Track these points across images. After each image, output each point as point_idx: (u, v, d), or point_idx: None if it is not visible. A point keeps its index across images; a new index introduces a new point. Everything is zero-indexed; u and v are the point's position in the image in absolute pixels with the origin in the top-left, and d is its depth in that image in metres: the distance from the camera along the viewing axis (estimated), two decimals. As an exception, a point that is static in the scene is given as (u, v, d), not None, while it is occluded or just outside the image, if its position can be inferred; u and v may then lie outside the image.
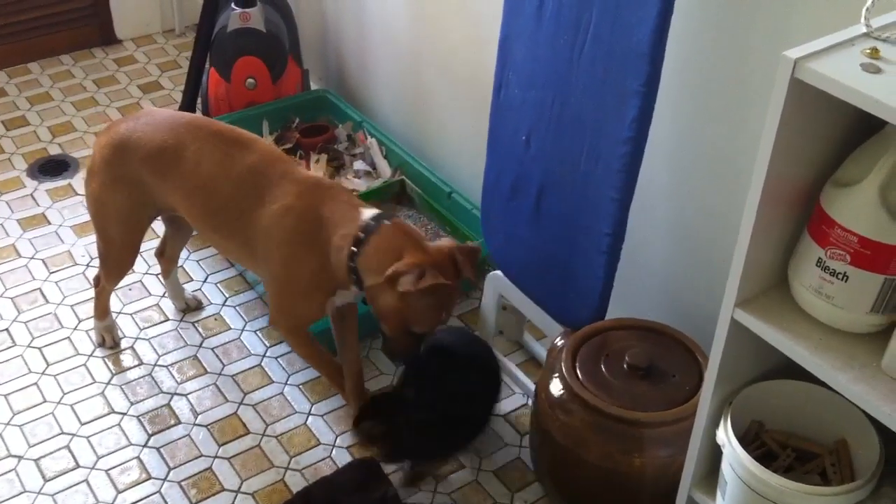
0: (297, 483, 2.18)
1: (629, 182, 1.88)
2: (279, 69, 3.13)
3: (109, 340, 2.49)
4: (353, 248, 1.93)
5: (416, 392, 2.08)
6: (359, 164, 3.05)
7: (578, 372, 1.90)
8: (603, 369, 1.91)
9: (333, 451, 2.26)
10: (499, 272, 2.34)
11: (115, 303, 2.58)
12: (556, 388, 1.92)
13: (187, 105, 3.18)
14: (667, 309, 2.15)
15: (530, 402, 2.36)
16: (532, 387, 2.35)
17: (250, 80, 3.09)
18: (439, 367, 2.08)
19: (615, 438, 1.83)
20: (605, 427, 1.83)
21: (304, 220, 1.99)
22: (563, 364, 1.92)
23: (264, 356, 2.50)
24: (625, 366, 1.90)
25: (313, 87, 3.40)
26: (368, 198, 2.88)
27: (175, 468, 2.21)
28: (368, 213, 1.98)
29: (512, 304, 2.38)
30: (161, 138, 2.10)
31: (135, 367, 2.46)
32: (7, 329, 2.55)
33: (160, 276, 2.64)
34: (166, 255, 2.53)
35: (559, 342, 2.03)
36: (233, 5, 3.01)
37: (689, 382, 1.88)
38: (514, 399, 2.39)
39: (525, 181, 2.18)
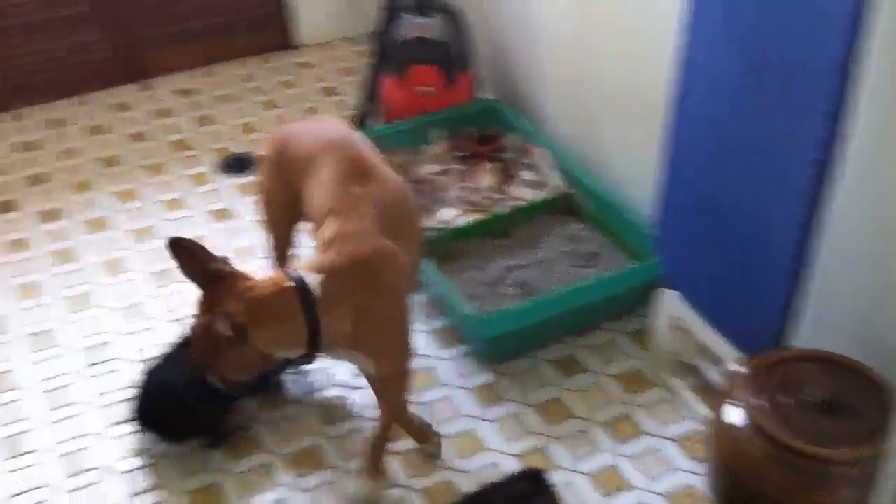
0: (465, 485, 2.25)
1: (817, 205, 1.85)
2: (452, 77, 3.22)
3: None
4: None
5: None
6: (527, 175, 3.09)
7: (758, 401, 1.89)
8: (784, 400, 1.89)
9: (500, 458, 2.32)
10: (673, 291, 2.34)
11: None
12: (735, 416, 1.91)
13: (362, 110, 3.31)
14: (853, 341, 2.09)
15: (702, 427, 2.34)
16: (702, 411, 2.34)
17: (424, 88, 3.18)
18: None
19: (797, 473, 1.80)
20: (787, 460, 1.80)
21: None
22: (743, 392, 1.91)
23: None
24: (807, 398, 1.87)
25: (484, 96, 3.47)
26: (536, 210, 2.93)
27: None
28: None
29: (685, 325, 2.37)
30: (307, 146, 2.16)
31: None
32: (196, 316, 2.72)
33: None
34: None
35: (738, 369, 2.02)
36: (411, 15, 3.11)
37: (875, 420, 1.83)
38: (685, 423, 2.38)
39: (705, 200, 2.16)
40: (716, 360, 2.37)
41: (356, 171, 2.07)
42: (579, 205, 2.96)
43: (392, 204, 2.06)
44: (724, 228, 2.13)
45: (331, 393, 2.48)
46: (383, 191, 2.07)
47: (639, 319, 2.65)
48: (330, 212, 2.00)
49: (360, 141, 2.19)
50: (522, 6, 3.16)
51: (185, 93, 3.71)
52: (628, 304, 2.68)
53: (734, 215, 2.09)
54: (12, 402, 2.47)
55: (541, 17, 3.06)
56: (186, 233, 2.91)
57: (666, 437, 2.34)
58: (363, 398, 2.42)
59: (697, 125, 2.14)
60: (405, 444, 2.31)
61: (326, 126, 2.28)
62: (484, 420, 2.41)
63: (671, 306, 2.36)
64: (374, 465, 2.20)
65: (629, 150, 2.82)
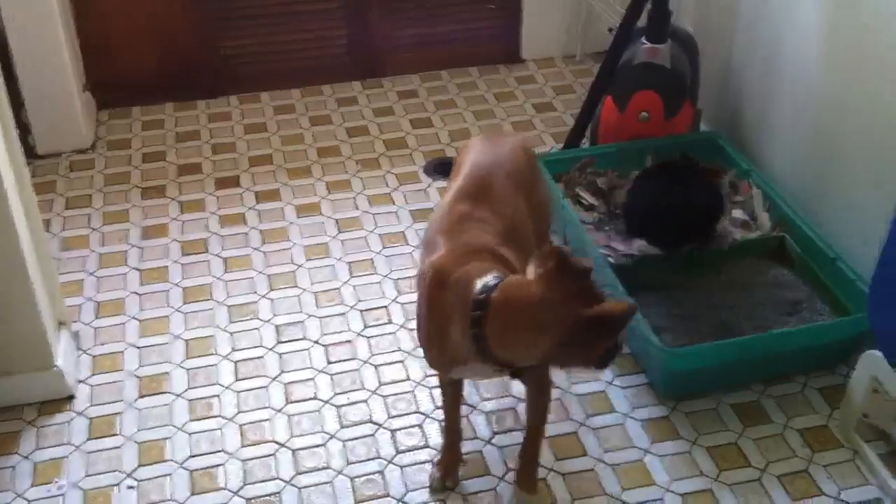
0: (625, 516, 2.19)
1: None
2: (675, 107, 3.15)
3: None
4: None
5: None
6: (737, 213, 2.98)
7: (960, 481, 1.73)
8: None
9: (666, 496, 2.24)
10: (878, 352, 2.19)
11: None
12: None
13: (578, 128, 3.30)
14: None
15: (887, 499, 2.19)
16: (889, 480, 2.18)
17: (644, 114, 3.13)
18: None
19: None
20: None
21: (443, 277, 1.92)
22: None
23: (610, 384, 2.54)
24: None
25: (703, 128, 3.38)
26: (743, 250, 2.82)
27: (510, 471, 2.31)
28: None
29: (885, 388, 2.21)
30: (475, 153, 2.18)
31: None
32: (387, 307, 2.81)
33: None
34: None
35: (941, 443, 1.86)
36: (643, 39, 3.07)
37: None
38: (867, 490, 2.22)
39: (930, 263, 2.02)
40: (918, 433, 2.21)
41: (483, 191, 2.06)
42: (788, 250, 2.82)
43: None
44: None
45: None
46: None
47: (832, 376, 2.51)
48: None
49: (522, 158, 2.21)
50: (768, 44, 3.05)
51: (406, 94, 3.84)
52: (825, 359, 2.54)
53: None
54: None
55: (786, 58, 2.94)
56: (388, 228, 3.08)
57: (843, 500, 2.19)
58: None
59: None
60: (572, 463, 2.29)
61: (503, 140, 2.29)
62: (653, 454, 2.34)
63: (873, 366, 2.21)
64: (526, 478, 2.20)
65: (858, 200, 2.66)
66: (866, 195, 2.59)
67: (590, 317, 1.64)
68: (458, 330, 1.81)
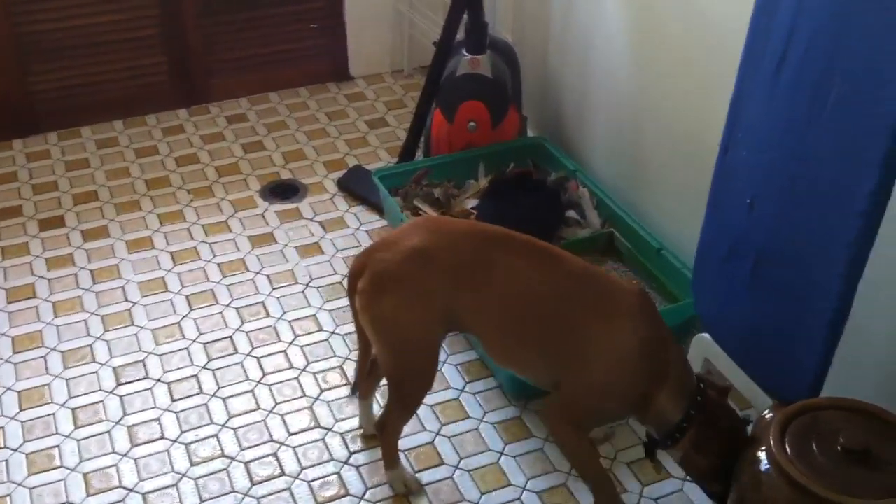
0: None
1: (860, 257, 1.81)
2: (500, 115, 3.23)
3: (414, 485, 2.30)
4: (690, 411, 2.01)
5: None
6: (568, 213, 3.09)
7: (787, 448, 1.84)
8: (814, 448, 1.83)
9: (523, 494, 2.29)
10: (707, 335, 2.30)
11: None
12: (761, 462, 1.86)
13: (410, 141, 3.34)
14: (887, 392, 2.04)
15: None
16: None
17: (472, 124, 3.20)
18: None
19: (822, 521, 1.75)
20: (812, 508, 1.76)
21: (652, 349, 2.02)
22: (770, 438, 1.86)
23: (462, 391, 2.57)
24: (838, 448, 1.81)
25: (530, 134, 3.48)
26: (576, 247, 2.92)
27: (372, 488, 2.30)
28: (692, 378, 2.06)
29: (717, 369, 2.33)
30: (469, 250, 2.06)
31: (342, 385, 2.58)
32: (231, 337, 2.75)
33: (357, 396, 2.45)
34: (371, 375, 2.37)
35: (767, 415, 1.97)
36: (464, 51, 3.14)
37: (907, 473, 1.77)
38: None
39: (744, 246, 2.14)
40: (746, 405, 2.33)
41: (550, 254, 2.10)
42: (618, 245, 2.94)
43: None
44: (761, 276, 2.10)
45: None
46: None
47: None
48: None
49: (505, 231, 2.14)
50: (579, 49, 3.18)
51: (236, 119, 3.78)
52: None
53: (773, 264, 2.06)
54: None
55: (598, 60, 3.07)
56: (227, 257, 3.02)
57: (691, 480, 2.28)
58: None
59: (742, 172, 2.12)
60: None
61: (462, 226, 2.20)
62: (508, 455, 2.39)
63: (703, 349, 2.33)
64: None
65: (674, 192, 2.81)
66: (683, 185, 2.73)
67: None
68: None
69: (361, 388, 2.40)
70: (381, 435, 2.26)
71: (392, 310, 2.04)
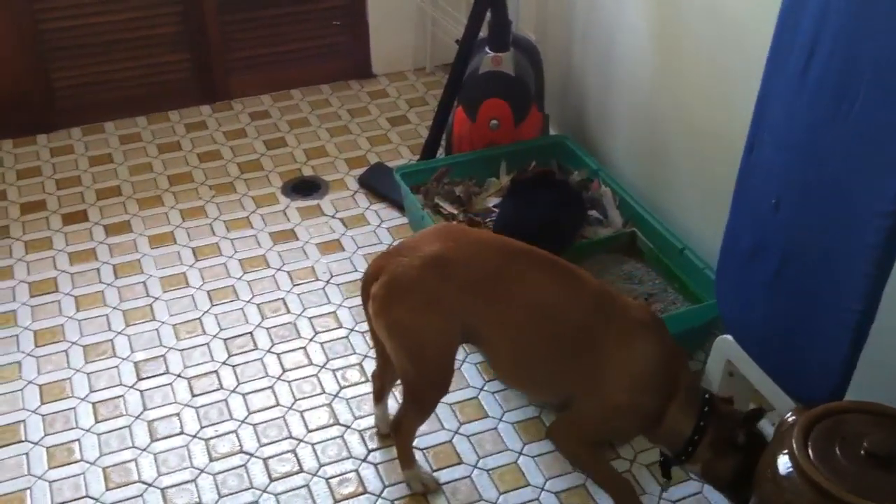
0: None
1: (887, 258, 1.79)
2: (523, 113, 3.21)
3: (432, 483, 2.29)
4: (700, 423, 2.01)
5: None
6: (590, 212, 3.07)
7: (810, 452, 1.82)
8: (837, 452, 1.81)
9: (542, 495, 2.28)
10: (729, 337, 2.28)
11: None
12: (783, 465, 1.83)
13: (432, 139, 3.33)
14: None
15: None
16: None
17: (494, 122, 3.18)
18: None
19: (845, 526, 1.72)
20: (835, 513, 1.73)
21: (666, 369, 2.04)
22: (793, 441, 1.83)
23: (481, 389, 2.56)
24: (862, 452, 1.79)
25: (552, 132, 3.46)
26: (597, 246, 2.90)
27: (389, 486, 2.30)
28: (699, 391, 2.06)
29: (740, 372, 2.31)
30: (489, 262, 2.04)
31: (362, 382, 2.58)
32: (251, 333, 2.75)
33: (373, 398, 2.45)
34: (386, 375, 2.35)
35: (790, 418, 1.95)
36: (487, 49, 3.12)
37: (932, 479, 1.75)
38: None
39: (768, 246, 2.11)
40: (769, 408, 2.31)
41: (569, 273, 2.10)
42: (640, 244, 2.92)
43: None
44: (785, 277, 2.07)
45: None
46: None
47: (692, 363, 2.60)
48: None
49: (527, 246, 2.14)
50: (602, 48, 3.16)
51: (258, 115, 3.78)
52: (684, 347, 2.61)
53: (797, 265, 2.03)
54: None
55: (621, 59, 3.06)
56: (248, 253, 3.02)
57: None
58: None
59: (767, 172, 2.10)
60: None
61: (484, 237, 2.21)
62: (526, 455, 2.38)
63: (726, 351, 2.30)
64: None
65: (697, 191, 2.79)
66: (706, 185, 2.71)
67: None
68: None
69: (376, 388, 2.40)
70: (396, 435, 2.26)
71: (408, 316, 2.02)
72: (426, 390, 2.15)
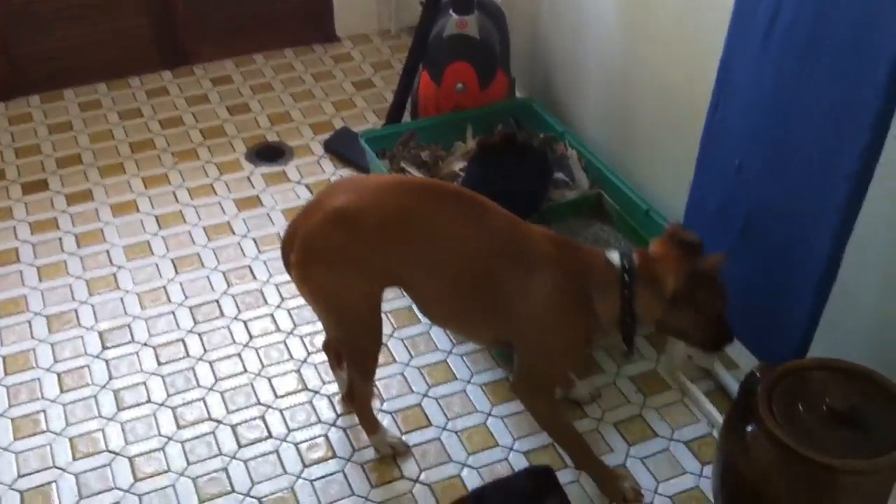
0: (473, 481, 2.23)
1: (849, 218, 1.81)
2: (489, 76, 3.19)
3: (401, 447, 2.29)
4: (624, 291, 1.96)
5: None
6: (557, 175, 3.06)
7: (773, 409, 1.84)
8: (800, 409, 1.84)
9: (510, 455, 2.30)
10: (694, 296, 2.29)
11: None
12: (747, 422, 1.86)
13: (397, 103, 3.30)
14: (874, 352, 2.04)
15: (715, 432, 2.31)
16: (717, 417, 2.30)
17: (460, 85, 3.16)
18: None
19: (806, 481, 1.75)
20: (796, 468, 1.76)
21: (572, 284, 1.98)
22: (757, 398, 1.86)
23: (450, 353, 2.57)
24: (824, 408, 1.82)
25: (519, 96, 3.45)
26: (564, 209, 2.90)
27: (359, 450, 2.30)
28: (612, 256, 2.00)
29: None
30: (392, 205, 1.97)
31: (329, 349, 2.58)
32: (217, 300, 2.73)
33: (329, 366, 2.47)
34: (333, 347, 2.38)
35: (754, 375, 1.97)
36: (451, 12, 3.09)
37: (892, 431, 1.78)
38: (698, 427, 2.35)
39: (733, 207, 2.13)
40: (732, 366, 2.34)
41: (478, 204, 2.03)
42: (606, 206, 2.93)
43: None
44: (751, 237, 2.09)
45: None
46: None
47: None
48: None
49: (430, 181, 2.15)
50: (571, 9, 3.13)
51: (220, 80, 3.73)
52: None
53: (762, 225, 2.05)
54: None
55: (589, 20, 3.03)
56: (213, 220, 2.99)
57: (677, 440, 2.30)
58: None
59: (730, 134, 2.11)
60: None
61: (380, 181, 2.13)
62: (495, 416, 2.39)
63: (691, 310, 2.32)
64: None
65: (663, 153, 2.79)
66: (672, 147, 2.71)
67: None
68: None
69: (332, 356, 2.40)
70: (351, 403, 2.28)
71: (325, 279, 1.98)
72: (359, 350, 2.13)
